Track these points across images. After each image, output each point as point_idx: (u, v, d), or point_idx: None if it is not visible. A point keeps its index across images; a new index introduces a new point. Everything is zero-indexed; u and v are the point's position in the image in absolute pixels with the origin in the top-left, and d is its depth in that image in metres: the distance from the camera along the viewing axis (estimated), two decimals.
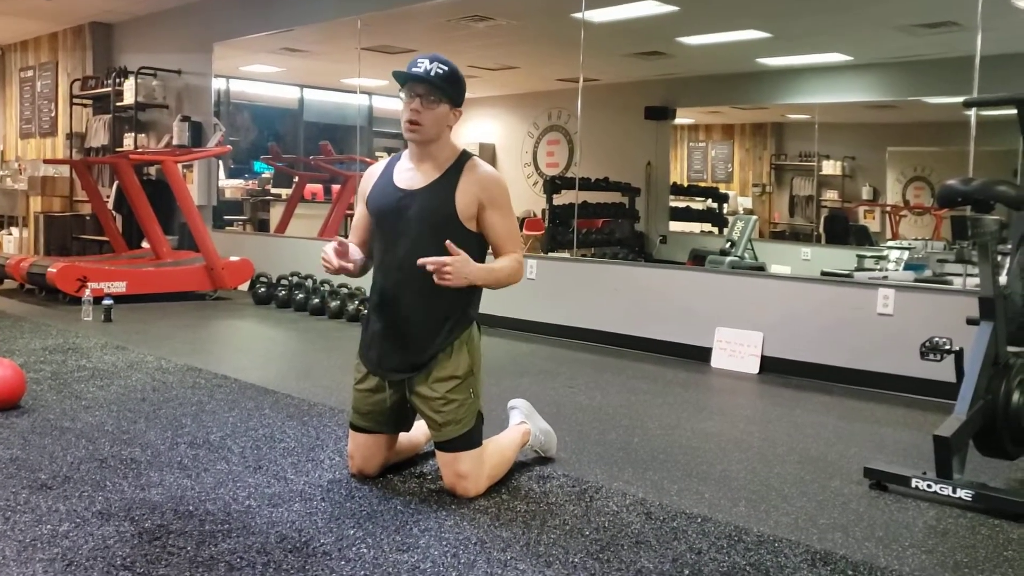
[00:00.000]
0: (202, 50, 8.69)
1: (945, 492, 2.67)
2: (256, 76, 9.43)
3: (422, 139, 2.59)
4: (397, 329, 2.62)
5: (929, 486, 2.69)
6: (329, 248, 2.59)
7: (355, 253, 2.63)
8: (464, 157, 2.64)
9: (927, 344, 2.90)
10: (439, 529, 2.35)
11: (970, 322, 2.92)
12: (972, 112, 4.27)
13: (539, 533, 2.35)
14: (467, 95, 2.64)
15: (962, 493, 2.63)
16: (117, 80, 9.27)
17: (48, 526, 2.29)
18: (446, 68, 2.55)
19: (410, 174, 2.65)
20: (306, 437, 3.21)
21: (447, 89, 2.55)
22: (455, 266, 2.43)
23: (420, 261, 2.45)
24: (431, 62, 2.54)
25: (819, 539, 2.38)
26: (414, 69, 2.53)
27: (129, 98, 9.08)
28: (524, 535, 2.33)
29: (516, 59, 8.18)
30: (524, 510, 2.53)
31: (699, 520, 2.49)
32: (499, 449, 2.76)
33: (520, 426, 2.95)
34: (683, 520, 2.48)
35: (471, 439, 2.61)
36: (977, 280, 3.82)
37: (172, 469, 2.80)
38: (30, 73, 11.29)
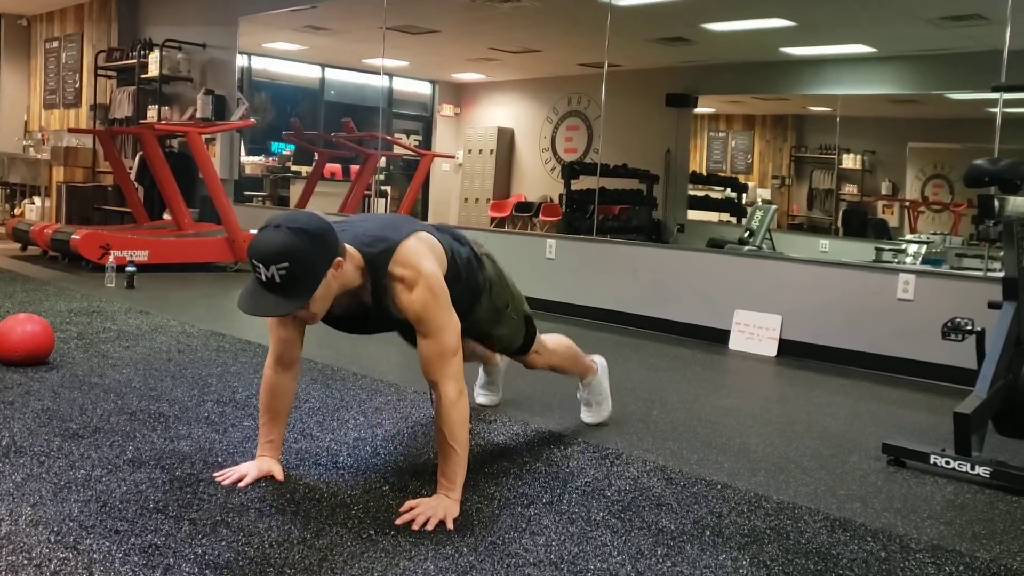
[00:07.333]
0: (227, 24, 8.75)
1: (963, 469, 2.69)
2: (278, 53, 9.47)
3: (326, 311, 2.14)
4: None
5: (947, 463, 2.72)
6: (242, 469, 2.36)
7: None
8: (377, 283, 2.17)
9: (949, 324, 2.92)
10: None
11: (991, 306, 2.94)
12: (998, 108, 4.26)
13: (561, 493, 2.39)
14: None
15: (980, 470, 2.66)
16: (142, 52, 9.33)
17: (82, 471, 2.34)
18: (286, 263, 1.94)
19: (343, 309, 2.25)
20: (330, 399, 3.26)
21: (303, 286, 1.99)
22: (424, 510, 2.13)
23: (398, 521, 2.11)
24: (267, 266, 1.95)
25: (838, 508, 2.41)
26: (255, 274, 1.99)
27: (154, 70, 9.15)
28: (547, 494, 2.37)
29: (539, 42, 8.19)
30: (545, 471, 2.56)
31: (719, 487, 2.52)
32: (573, 353, 2.99)
33: (596, 362, 3.12)
34: (703, 486, 2.52)
35: (527, 346, 2.81)
36: (998, 267, 3.84)
37: (200, 423, 2.85)
38: (55, 44, 11.36)
